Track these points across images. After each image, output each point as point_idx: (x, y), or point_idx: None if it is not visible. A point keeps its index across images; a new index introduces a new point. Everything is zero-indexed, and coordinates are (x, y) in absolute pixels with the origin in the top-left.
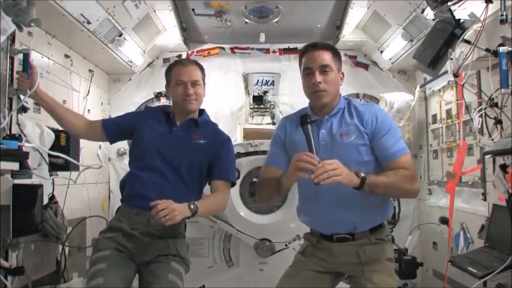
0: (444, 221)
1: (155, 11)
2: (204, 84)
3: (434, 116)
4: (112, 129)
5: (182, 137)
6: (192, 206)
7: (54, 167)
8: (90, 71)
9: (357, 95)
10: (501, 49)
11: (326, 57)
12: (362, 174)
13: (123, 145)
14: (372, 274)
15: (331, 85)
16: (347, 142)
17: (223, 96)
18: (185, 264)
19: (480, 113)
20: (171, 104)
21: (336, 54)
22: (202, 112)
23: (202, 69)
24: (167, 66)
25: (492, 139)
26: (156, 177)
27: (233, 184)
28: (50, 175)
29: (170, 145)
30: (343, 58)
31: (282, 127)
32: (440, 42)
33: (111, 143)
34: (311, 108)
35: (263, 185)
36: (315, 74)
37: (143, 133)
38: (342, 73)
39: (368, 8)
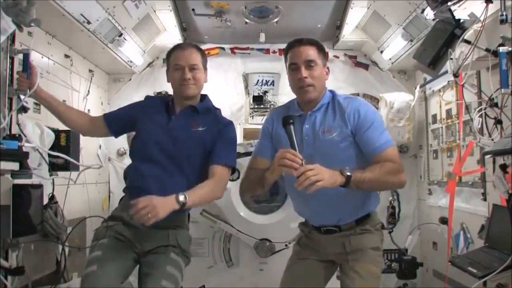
0: (444, 221)
1: (155, 11)
2: (205, 69)
3: (434, 116)
4: (114, 122)
5: (181, 126)
6: (180, 198)
7: (54, 167)
8: (90, 71)
9: (357, 95)
10: (501, 49)
11: (311, 52)
12: (348, 173)
13: (123, 145)
14: (355, 263)
15: (317, 80)
16: (329, 139)
17: (223, 96)
18: (185, 256)
19: (480, 113)
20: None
21: (321, 49)
22: (204, 97)
23: (202, 53)
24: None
25: (492, 139)
26: (155, 169)
27: (233, 170)
28: (50, 175)
29: (169, 136)
30: (343, 58)
31: (270, 119)
32: (440, 42)
33: (116, 136)
34: (297, 103)
35: (249, 176)
36: (300, 69)
37: (142, 125)
38: (328, 68)
39: (368, 8)
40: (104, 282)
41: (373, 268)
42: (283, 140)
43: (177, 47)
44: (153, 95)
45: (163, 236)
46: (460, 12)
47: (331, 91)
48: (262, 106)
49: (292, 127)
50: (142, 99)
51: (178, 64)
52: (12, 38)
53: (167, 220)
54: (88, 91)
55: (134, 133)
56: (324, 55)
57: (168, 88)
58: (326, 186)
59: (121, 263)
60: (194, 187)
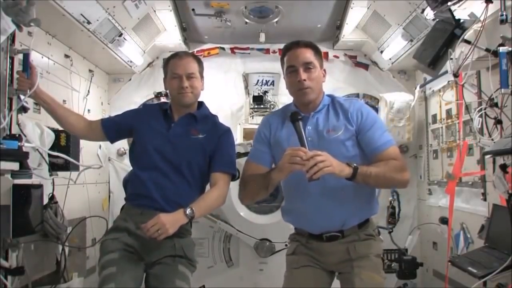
0: (444, 221)
1: (155, 11)
2: (202, 77)
3: (434, 116)
4: (111, 129)
5: (181, 134)
6: (188, 212)
7: (54, 167)
8: (90, 71)
9: (357, 95)
10: (501, 49)
11: (308, 54)
12: (355, 164)
13: (123, 145)
14: (361, 271)
15: (315, 82)
16: (334, 138)
17: (223, 96)
18: (191, 265)
19: (480, 113)
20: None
21: (317, 51)
22: (200, 105)
23: (199, 61)
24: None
25: (492, 139)
26: (158, 177)
27: (233, 176)
28: (50, 175)
29: (169, 144)
30: (343, 58)
31: (266, 124)
32: (440, 42)
33: (112, 142)
34: (295, 106)
35: (249, 182)
36: (299, 72)
37: (142, 133)
38: (324, 70)
39: (368, 8)
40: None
41: (377, 277)
42: (284, 142)
43: (174, 56)
44: (152, 95)
45: (169, 245)
46: (460, 12)
47: (329, 95)
48: (262, 106)
49: (300, 123)
50: (142, 99)
51: (175, 73)
52: (12, 38)
53: None
54: (88, 91)
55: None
56: (321, 56)
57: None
58: (334, 172)
59: (134, 275)
60: (198, 198)
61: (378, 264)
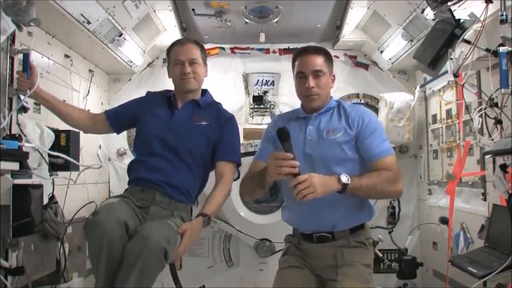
0: (444, 221)
1: (155, 11)
2: (205, 64)
3: (434, 116)
4: (116, 119)
5: (184, 121)
6: (205, 219)
7: (54, 167)
8: (90, 71)
9: (357, 95)
10: (501, 49)
11: (318, 61)
12: (344, 181)
13: (123, 145)
14: (344, 279)
15: (323, 89)
16: (332, 139)
17: (223, 96)
18: None
19: (480, 113)
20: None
21: (328, 57)
22: (204, 92)
23: (201, 48)
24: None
25: (492, 139)
26: (161, 163)
27: (238, 165)
28: (50, 175)
29: (171, 131)
30: (343, 58)
31: (274, 125)
32: (440, 42)
33: (118, 133)
34: (303, 109)
35: (249, 179)
36: (308, 79)
37: (145, 121)
38: (333, 76)
39: (368, 8)
40: (124, 214)
41: (361, 287)
42: None
43: (176, 43)
44: None
45: (167, 213)
46: (460, 12)
47: (337, 100)
48: (262, 106)
49: (291, 142)
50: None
51: (178, 59)
52: (12, 38)
53: (172, 206)
54: (88, 91)
55: (134, 132)
56: (331, 63)
57: (169, 88)
58: (318, 196)
59: (134, 221)
60: (210, 200)
61: (365, 273)
